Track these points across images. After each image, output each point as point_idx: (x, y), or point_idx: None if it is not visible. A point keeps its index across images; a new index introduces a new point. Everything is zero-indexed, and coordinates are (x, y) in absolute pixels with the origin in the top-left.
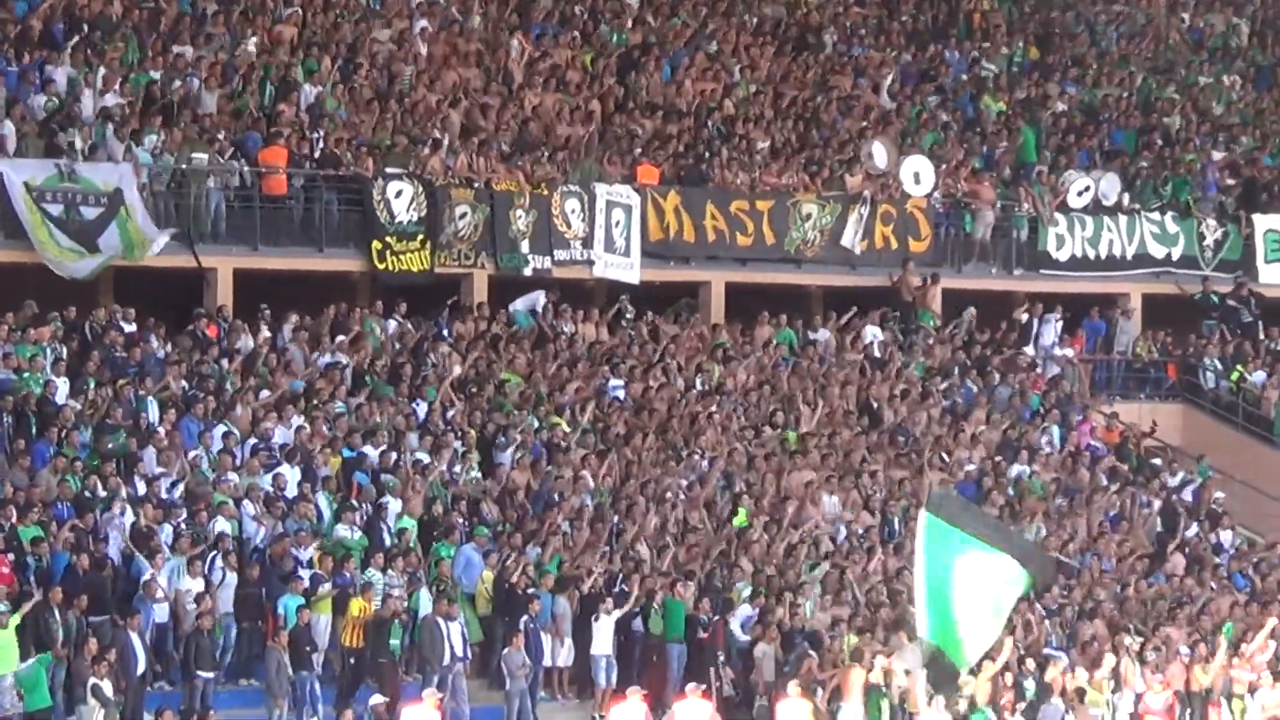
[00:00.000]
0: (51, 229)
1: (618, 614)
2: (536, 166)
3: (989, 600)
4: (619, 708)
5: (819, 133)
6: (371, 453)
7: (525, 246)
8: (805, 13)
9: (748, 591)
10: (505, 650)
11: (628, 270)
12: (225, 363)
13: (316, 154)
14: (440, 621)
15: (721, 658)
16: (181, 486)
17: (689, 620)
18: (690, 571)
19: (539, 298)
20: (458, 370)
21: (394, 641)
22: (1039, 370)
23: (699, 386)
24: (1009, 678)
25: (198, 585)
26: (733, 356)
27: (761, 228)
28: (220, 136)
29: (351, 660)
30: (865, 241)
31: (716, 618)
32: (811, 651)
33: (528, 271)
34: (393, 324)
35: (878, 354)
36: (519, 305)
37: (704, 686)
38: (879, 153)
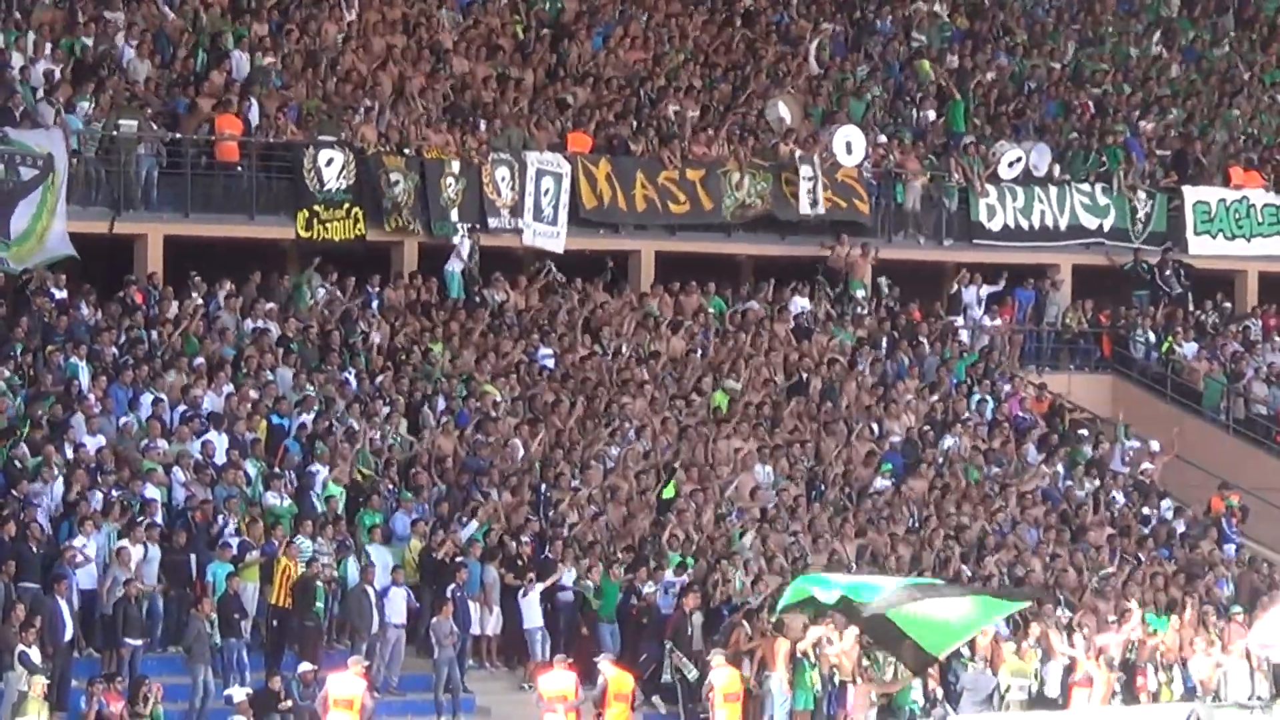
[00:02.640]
0: None
1: (541, 587)
2: (467, 135)
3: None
4: (546, 676)
5: (747, 101)
6: (301, 419)
7: (454, 214)
8: None
9: (676, 561)
10: (434, 619)
11: (553, 239)
12: (154, 331)
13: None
14: (369, 589)
15: (669, 645)
16: (113, 451)
17: (622, 593)
18: (626, 546)
19: (464, 244)
20: (377, 338)
21: (318, 605)
22: (963, 340)
23: (625, 353)
24: None
25: (127, 553)
26: (662, 325)
27: (696, 195)
28: (150, 103)
29: (275, 622)
30: (825, 204)
31: (653, 590)
32: (744, 622)
33: (457, 240)
34: (322, 291)
35: (806, 324)
36: (453, 263)
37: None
38: (783, 110)
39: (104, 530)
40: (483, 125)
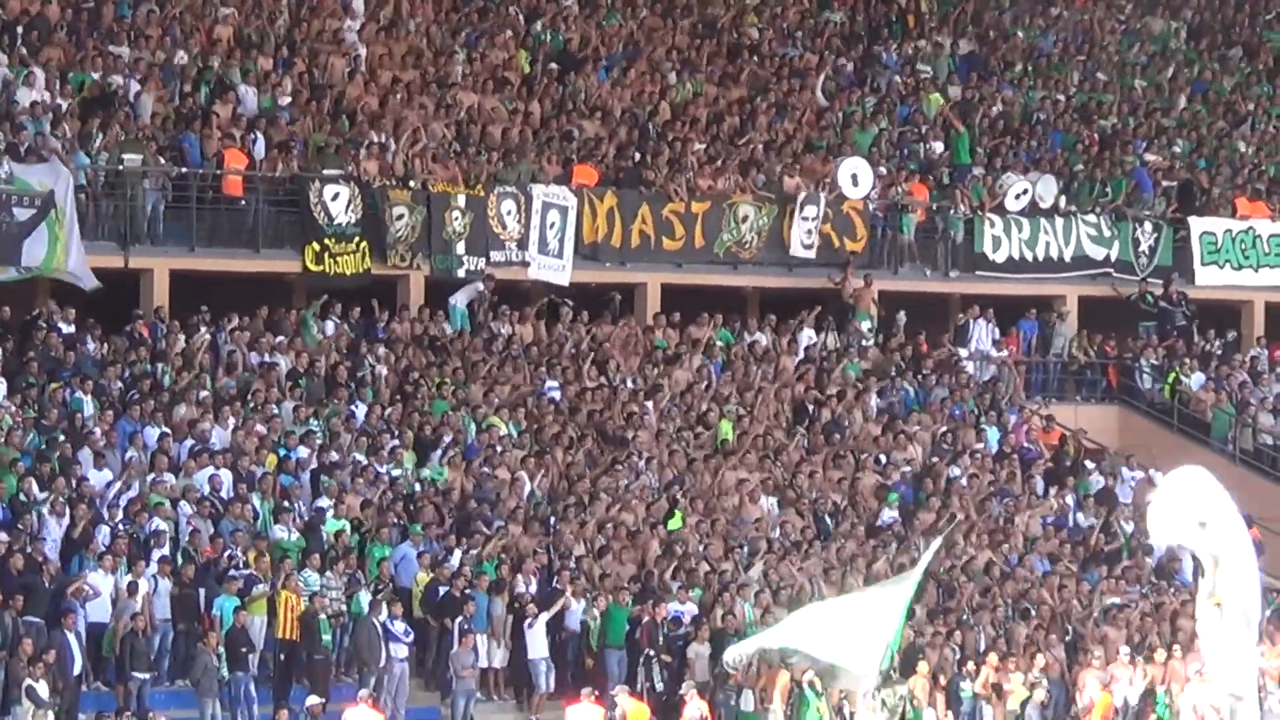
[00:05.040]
0: None
1: (546, 616)
2: (473, 165)
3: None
4: (575, 709)
5: (755, 135)
6: (307, 454)
7: (460, 248)
8: (739, 14)
9: (688, 592)
10: (454, 650)
11: (559, 272)
12: (160, 364)
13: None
14: (376, 623)
15: (649, 652)
16: (120, 485)
17: (630, 623)
18: (632, 577)
19: (478, 286)
20: (384, 372)
21: (325, 638)
22: (970, 372)
23: (630, 385)
24: (944, 679)
25: (135, 588)
26: (670, 358)
27: (693, 231)
28: (157, 138)
29: (283, 656)
30: (819, 242)
31: (647, 618)
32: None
33: (461, 273)
34: (330, 325)
35: (814, 356)
36: (458, 298)
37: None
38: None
39: (110, 564)
40: (488, 158)
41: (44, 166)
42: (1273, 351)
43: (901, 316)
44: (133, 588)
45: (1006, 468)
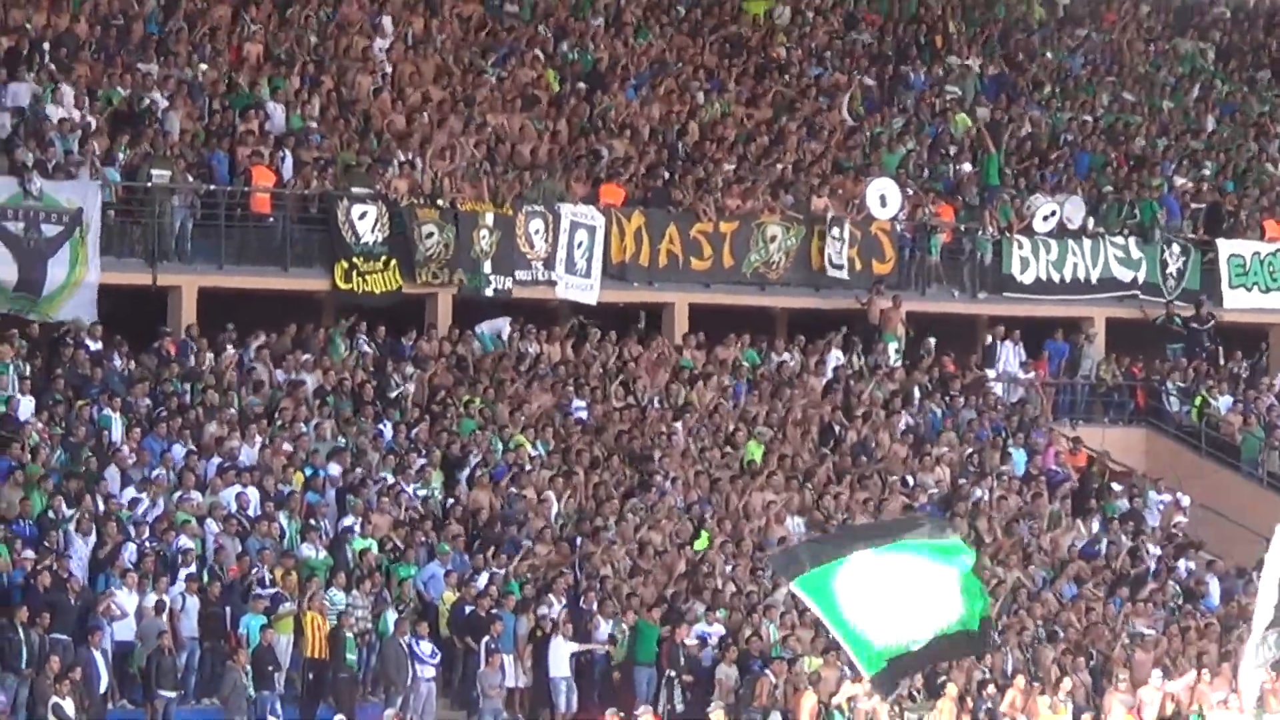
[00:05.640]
0: None
1: (575, 647)
2: (501, 183)
3: (917, 588)
4: None
5: (783, 155)
6: (335, 472)
7: (487, 267)
8: (768, 33)
9: (715, 613)
10: (481, 670)
11: (586, 291)
12: (188, 382)
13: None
14: (402, 642)
15: (671, 673)
16: (147, 503)
17: (659, 642)
18: (659, 597)
19: (503, 325)
20: (412, 390)
21: (350, 657)
22: (998, 394)
23: (657, 405)
24: (970, 702)
25: (161, 605)
26: (697, 377)
27: (721, 251)
28: (185, 155)
29: (311, 675)
30: (847, 263)
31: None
32: (768, 672)
33: (489, 292)
34: (363, 341)
35: (841, 377)
36: (484, 328)
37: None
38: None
39: (137, 582)
40: (516, 177)
41: (73, 184)
42: None
43: (931, 342)
44: (159, 605)
45: (1033, 489)
